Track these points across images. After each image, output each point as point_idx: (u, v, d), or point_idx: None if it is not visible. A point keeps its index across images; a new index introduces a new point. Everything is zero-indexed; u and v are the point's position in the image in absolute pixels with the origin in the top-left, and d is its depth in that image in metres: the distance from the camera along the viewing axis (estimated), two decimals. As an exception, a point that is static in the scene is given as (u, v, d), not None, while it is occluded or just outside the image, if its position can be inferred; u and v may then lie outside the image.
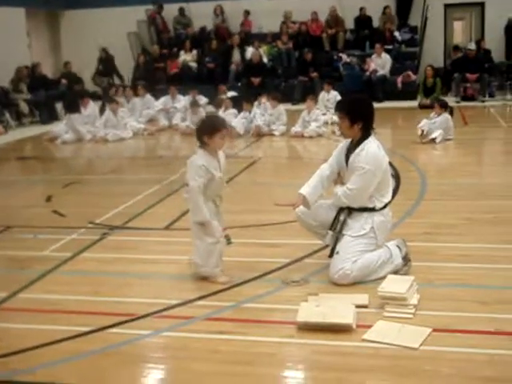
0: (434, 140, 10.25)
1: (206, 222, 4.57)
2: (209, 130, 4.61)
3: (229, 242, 4.75)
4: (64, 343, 3.82)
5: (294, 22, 18.77)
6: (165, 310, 4.24)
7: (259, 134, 12.22)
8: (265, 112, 12.64)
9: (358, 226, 4.60)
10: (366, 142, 4.62)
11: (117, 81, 18.86)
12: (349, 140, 4.78)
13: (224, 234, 4.72)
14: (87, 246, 5.72)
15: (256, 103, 12.95)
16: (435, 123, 10.45)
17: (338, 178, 4.82)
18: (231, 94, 15.18)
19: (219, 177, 4.65)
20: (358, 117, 4.63)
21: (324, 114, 12.58)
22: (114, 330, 3.99)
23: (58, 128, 13.27)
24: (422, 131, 10.36)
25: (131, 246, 5.74)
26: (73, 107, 13.32)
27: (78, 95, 14.71)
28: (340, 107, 4.83)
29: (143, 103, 15.06)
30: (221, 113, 12.86)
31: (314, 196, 4.76)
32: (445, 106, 10.65)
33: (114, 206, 7.11)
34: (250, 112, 12.70)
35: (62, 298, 4.56)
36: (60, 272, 5.13)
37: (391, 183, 4.83)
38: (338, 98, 13.15)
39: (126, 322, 4.08)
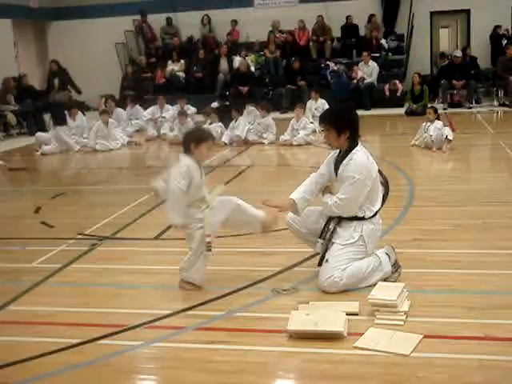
0: (448, 139, 10.17)
1: (180, 225, 4.62)
2: (196, 139, 4.67)
3: (208, 249, 4.69)
4: (54, 355, 3.79)
5: (281, 31, 18.83)
6: (155, 320, 4.22)
7: (239, 145, 12.20)
8: (253, 121, 12.67)
9: (347, 234, 4.61)
10: (353, 151, 4.62)
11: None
12: (337, 150, 4.78)
13: (206, 240, 4.69)
14: (76, 257, 5.70)
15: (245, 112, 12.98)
16: (435, 129, 10.43)
17: (327, 188, 4.82)
18: (214, 104, 15.16)
19: (200, 182, 4.68)
20: (344, 126, 4.62)
21: (311, 123, 12.56)
22: (105, 341, 3.97)
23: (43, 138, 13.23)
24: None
25: (121, 256, 5.73)
26: (60, 119, 13.25)
27: (64, 107, 14.66)
28: (325, 119, 4.79)
29: (130, 114, 15.07)
30: (206, 125, 12.85)
31: (303, 202, 4.77)
32: (436, 112, 10.68)
33: (103, 216, 7.09)
34: (235, 120, 12.71)
35: (52, 309, 4.53)
36: (49, 283, 5.10)
37: (381, 191, 4.83)
38: (326, 106, 13.16)
39: (116, 333, 4.06)
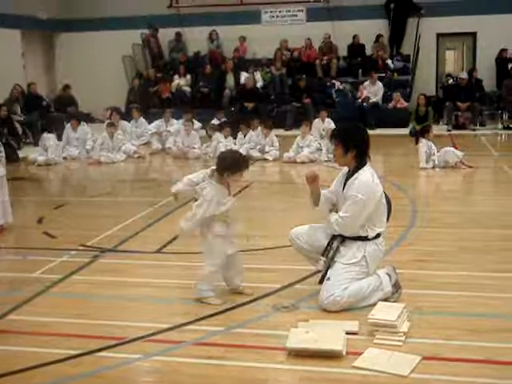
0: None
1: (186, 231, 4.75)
2: (232, 168, 4.67)
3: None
4: (53, 366, 3.80)
5: (288, 50, 18.92)
6: (155, 334, 4.23)
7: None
8: (257, 139, 12.70)
9: (350, 253, 4.62)
10: (360, 171, 4.63)
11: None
12: (347, 168, 4.80)
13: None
14: (78, 269, 5.71)
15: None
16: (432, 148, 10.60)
17: (334, 207, 4.83)
18: (214, 121, 15.06)
19: (226, 200, 4.71)
20: (351, 145, 4.64)
21: (319, 143, 12.45)
22: (104, 353, 3.97)
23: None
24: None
25: (122, 269, 5.74)
26: (48, 128, 13.27)
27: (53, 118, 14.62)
28: (334, 135, 4.83)
29: (136, 126, 15.11)
30: (222, 139, 12.78)
31: (325, 195, 4.79)
32: None
33: (106, 228, 7.10)
34: (244, 136, 12.80)
35: (52, 320, 4.54)
36: (50, 294, 5.11)
37: (385, 213, 4.81)
38: (332, 125, 13.08)
39: (115, 345, 4.06)
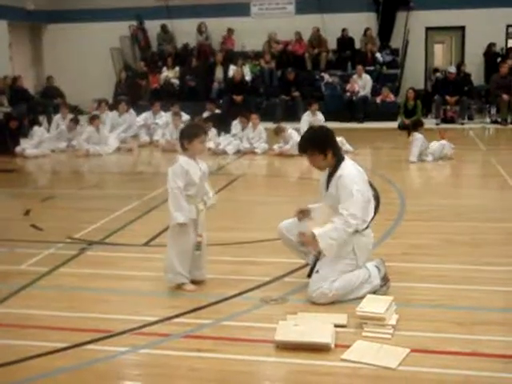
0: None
1: (183, 222, 4.68)
2: (188, 136, 4.82)
3: (197, 249, 4.82)
4: (40, 359, 3.77)
5: (277, 42, 18.89)
6: (142, 326, 4.21)
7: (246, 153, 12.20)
8: (248, 132, 12.64)
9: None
10: (342, 165, 4.61)
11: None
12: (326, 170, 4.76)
13: (197, 240, 4.80)
14: (65, 261, 5.67)
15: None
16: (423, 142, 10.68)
17: (305, 212, 4.83)
18: (206, 114, 14.97)
19: (198, 177, 4.78)
20: (326, 146, 4.62)
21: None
22: (91, 346, 3.95)
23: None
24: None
25: (109, 261, 5.71)
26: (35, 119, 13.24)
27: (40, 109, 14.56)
28: (305, 147, 4.73)
29: (124, 119, 15.00)
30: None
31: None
32: None
33: (93, 221, 7.06)
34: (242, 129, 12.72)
35: (38, 313, 4.51)
36: (37, 287, 5.08)
37: (372, 202, 4.81)
38: (322, 119, 12.98)
39: (102, 338, 4.04)
